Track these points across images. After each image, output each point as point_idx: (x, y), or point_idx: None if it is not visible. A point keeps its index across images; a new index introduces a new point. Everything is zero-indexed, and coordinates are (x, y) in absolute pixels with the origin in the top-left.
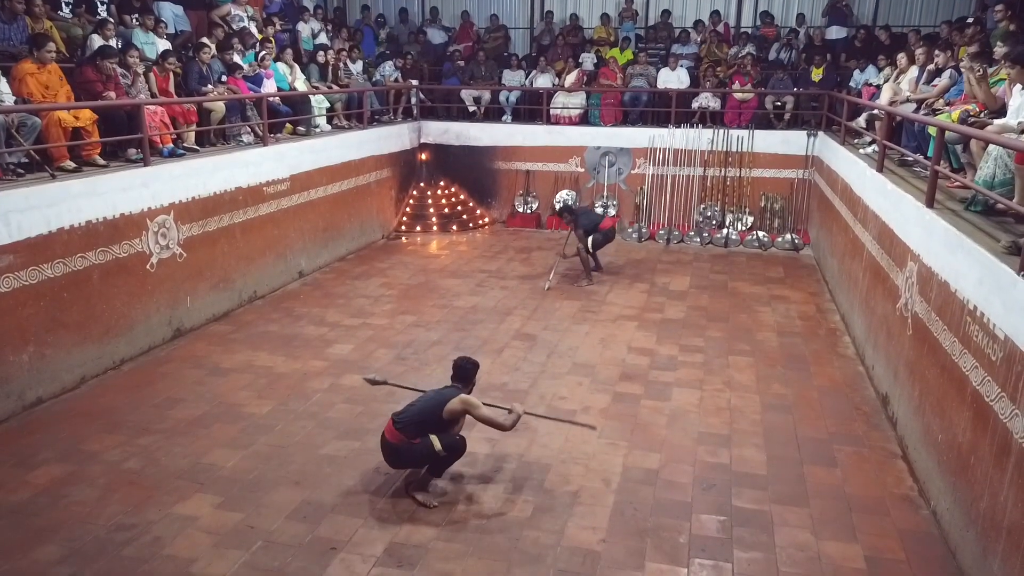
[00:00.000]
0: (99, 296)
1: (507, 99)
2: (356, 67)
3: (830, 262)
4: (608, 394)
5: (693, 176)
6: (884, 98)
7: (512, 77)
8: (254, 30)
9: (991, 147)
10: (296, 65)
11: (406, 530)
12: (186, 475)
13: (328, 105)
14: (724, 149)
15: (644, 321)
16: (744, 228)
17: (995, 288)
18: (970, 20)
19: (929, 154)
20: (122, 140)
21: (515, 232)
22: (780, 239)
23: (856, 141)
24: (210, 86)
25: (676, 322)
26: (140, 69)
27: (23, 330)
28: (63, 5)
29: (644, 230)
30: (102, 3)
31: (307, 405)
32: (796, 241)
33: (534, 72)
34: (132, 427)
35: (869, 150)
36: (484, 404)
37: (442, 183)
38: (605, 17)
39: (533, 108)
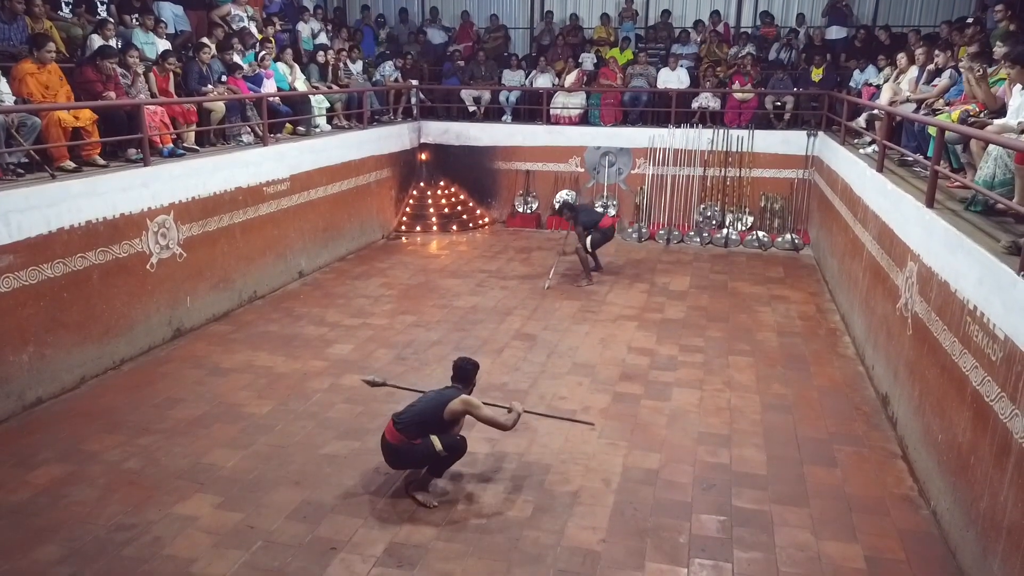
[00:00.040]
0: (99, 296)
1: (507, 99)
2: (356, 67)
3: (830, 262)
4: (608, 394)
5: (693, 176)
6: (884, 98)
7: (512, 77)
8: (254, 30)
9: (991, 147)
10: (296, 65)
11: (406, 530)
12: (186, 475)
13: (328, 105)
14: (724, 149)
15: (644, 321)
16: (744, 228)
17: (995, 288)
18: (970, 20)
19: (929, 154)
20: (122, 140)
21: (515, 232)
22: (780, 239)
23: (856, 141)
24: (210, 86)
25: (676, 322)
26: (140, 69)
27: (23, 330)
28: (63, 5)
29: (644, 230)
30: (102, 3)
31: (307, 405)
32: (796, 241)
33: (534, 72)
34: (132, 427)
35: (869, 150)
36: (484, 404)
37: (442, 183)
38: (605, 17)
39: (533, 108)
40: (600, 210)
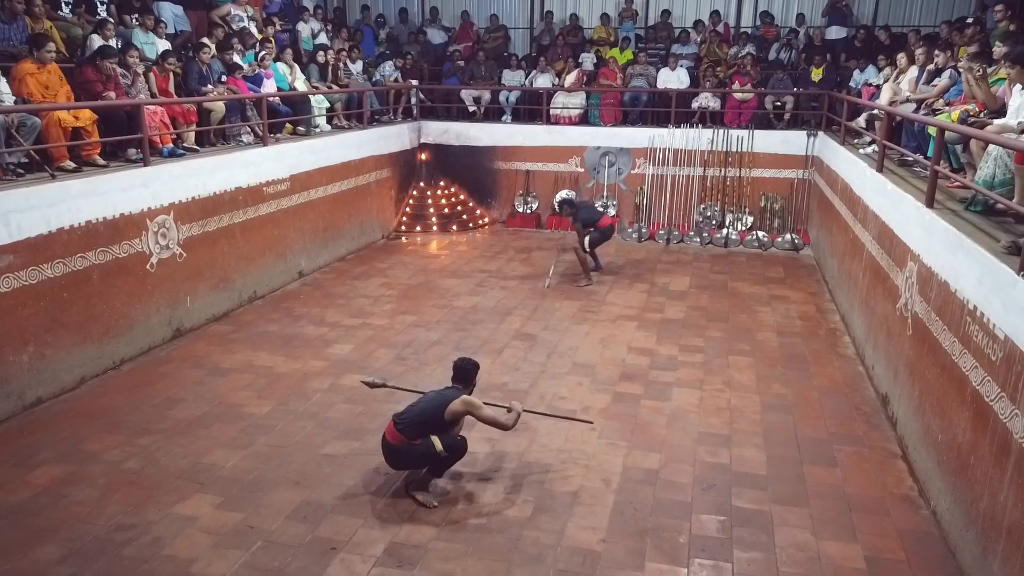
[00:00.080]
0: (99, 296)
1: (507, 99)
2: (356, 67)
3: (830, 262)
4: (608, 394)
5: (693, 176)
6: (884, 98)
7: (512, 77)
8: (254, 30)
9: (991, 147)
10: (296, 65)
11: (406, 530)
12: (186, 475)
13: (328, 105)
14: (724, 149)
15: (644, 321)
16: (744, 228)
17: (995, 288)
18: (970, 20)
19: (929, 154)
20: (122, 140)
21: (515, 232)
22: (780, 239)
23: (856, 141)
24: (210, 86)
25: (676, 322)
26: (140, 69)
27: (23, 330)
28: (63, 5)
29: (644, 230)
30: (102, 3)
31: (307, 405)
32: (796, 241)
33: (534, 72)
34: (132, 427)
35: (869, 150)
36: (485, 404)
37: (442, 183)
38: (605, 17)
39: (533, 108)
40: (600, 209)
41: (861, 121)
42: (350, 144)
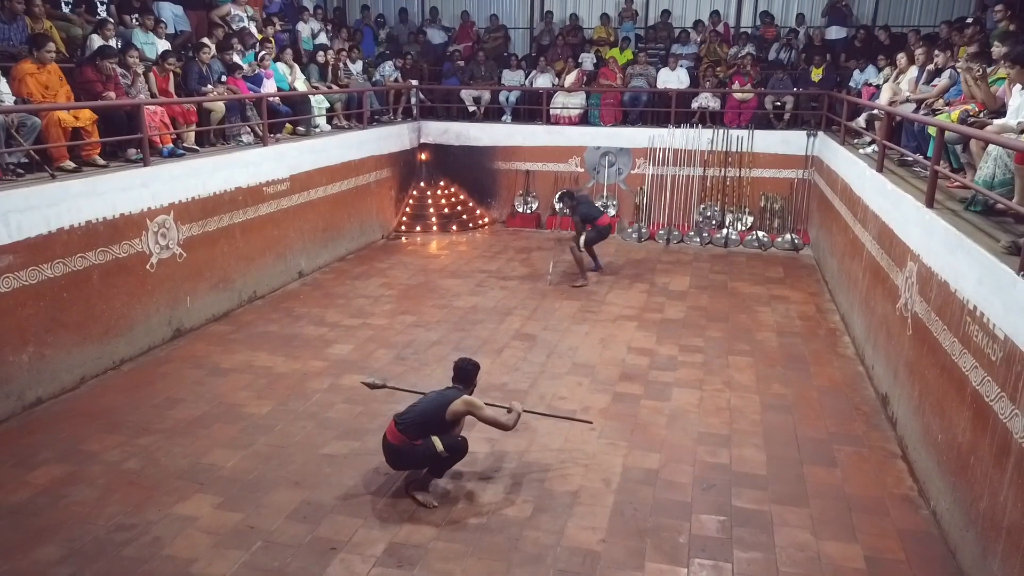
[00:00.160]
0: (99, 296)
1: (507, 99)
2: (356, 67)
3: (830, 262)
4: (608, 394)
5: (693, 176)
6: (884, 98)
7: (512, 77)
8: (254, 30)
9: (991, 147)
10: (296, 65)
11: (406, 530)
12: (186, 475)
13: (328, 105)
14: (724, 149)
15: (644, 321)
16: (744, 228)
17: (995, 288)
18: (970, 20)
19: (929, 154)
20: (122, 140)
21: (515, 232)
22: (780, 239)
23: (856, 141)
24: (210, 86)
25: (676, 322)
26: (140, 69)
27: (23, 330)
28: (63, 5)
29: (644, 230)
30: (102, 3)
31: (307, 405)
32: (796, 241)
33: (534, 72)
34: (132, 427)
35: (869, 150)
36: (485, 404)
37: (442, 183)
38: (605, 17)
39: (533, 108)
40: (600, 208)
41: (861, 121)
42: (350, 144)
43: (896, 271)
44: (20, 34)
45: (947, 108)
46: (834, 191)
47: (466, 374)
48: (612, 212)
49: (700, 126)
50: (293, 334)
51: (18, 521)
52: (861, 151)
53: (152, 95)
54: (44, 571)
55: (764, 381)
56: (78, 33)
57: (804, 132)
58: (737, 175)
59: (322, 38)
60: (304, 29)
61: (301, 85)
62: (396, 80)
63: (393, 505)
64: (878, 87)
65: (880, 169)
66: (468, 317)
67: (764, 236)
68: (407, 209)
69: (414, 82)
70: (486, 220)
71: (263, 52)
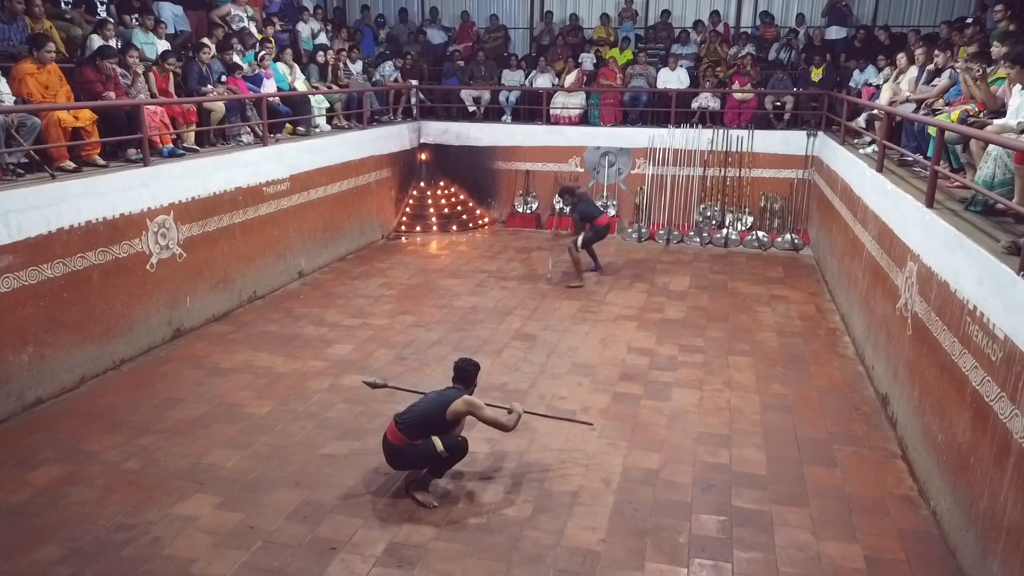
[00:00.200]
0: (99, 296)
1: (507, 99)
2: (356, 67)
3: (830, 262)
4: (608, 394)
5: (693, 176)
6: (884, 98)
7: (512, 77)
8: (254, 30)
9: (991, 147)
10: (296, 65)
11: (406, 530)
12: (186, 475)
13: (328, 105)
14: (724, 149)
15: (644, 321)
16: (744, 228)
17: (995, 288)
18: (970, 20)
19: (929, 154)
20: (122, 140)
21: (515, 232)
22: (780, 239)
23: (856, 141)
24: (210, 86)
25: (676, 322)
26: (140, 69)
27: (23, 330)
28: (63, 5)
29: (644, 230)
30: (102, 3)
31: (307, 405)
32: (796, 241)
33: (534, 72)
34: (132, 427)
35: (869, 150)
36: (486, 405)
37: (442, 183)
38: (605, 17)
39: (533, 108)
40: (600, 208)
41: (861, 121)
42: (350, 144)
43: (896, 271)
44: (20, 34)
45: (947, 108)
46: (834, 191)
47: (466, 374)
48: (612, 212)
49: (700, 126)
50: (293, 334)
51: (18, 521)
52: (861, 151)
53: (152, 95)
54: (44, 571)
55: (764, 381)
56: (78, 33)
57: (804, 132)
58: (737, 175)
59: (322, 38)
60: (304, 29)
61: (301, 85)
62: (396, 80)
63: (393, 505)
64: (878, 87)
65: (880, 169)
66: (468, 317)
67: (764, 236)
68: (407, 209)
69: (414, 82)
70: (486, 220)
71: (263, 52)
